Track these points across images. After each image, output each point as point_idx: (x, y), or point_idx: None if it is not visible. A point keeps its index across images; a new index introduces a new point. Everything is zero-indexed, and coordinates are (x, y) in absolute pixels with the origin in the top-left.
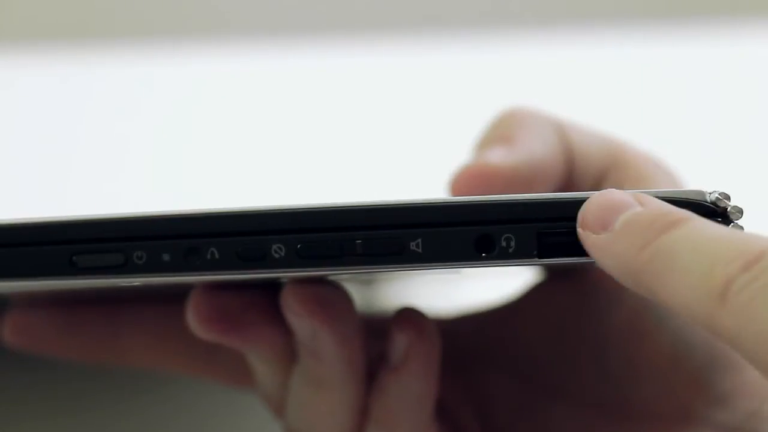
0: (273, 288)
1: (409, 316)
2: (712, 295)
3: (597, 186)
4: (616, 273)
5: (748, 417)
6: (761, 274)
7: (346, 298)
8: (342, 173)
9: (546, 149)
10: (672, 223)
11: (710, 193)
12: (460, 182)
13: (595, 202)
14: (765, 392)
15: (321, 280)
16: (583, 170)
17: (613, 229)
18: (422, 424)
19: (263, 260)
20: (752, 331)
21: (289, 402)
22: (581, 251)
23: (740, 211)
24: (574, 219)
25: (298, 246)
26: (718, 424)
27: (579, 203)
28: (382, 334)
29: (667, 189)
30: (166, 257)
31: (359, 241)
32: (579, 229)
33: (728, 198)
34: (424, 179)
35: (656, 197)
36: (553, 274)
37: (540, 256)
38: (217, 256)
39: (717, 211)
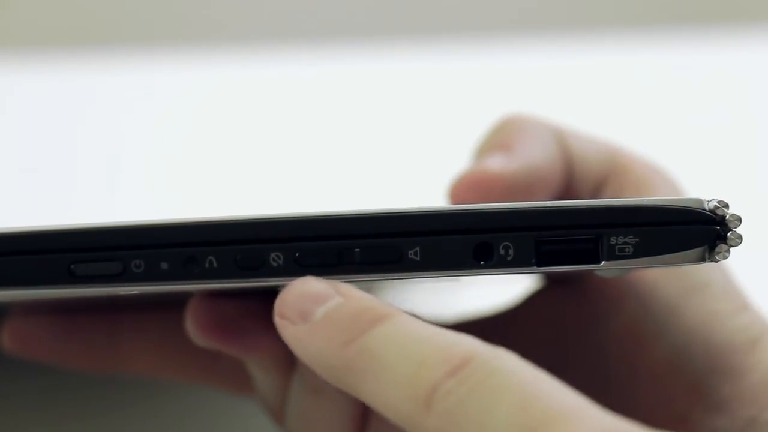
0: (272, 295)
1: None
2: (417, 400)
3: (596, 193)
4: (317, 367)
5: (747, 424)
6: (465, 381)
7: None
8: (340, 181)
9: (545, 156)
10: (376, 320)
11: (709, 201)
12: (458, 190)
13: (293, 291)
14: (764, 399)
15: None
16: (583, 177)
17: (313, 321)
18: None
19: (262, 269)
20: None
21: (289, 409)
22: (580, 259)
23: (739, 219)
24: (572, 227)
25: (297, 254)
26: (717, 430)
27: (578, 211)
28: None
29: (665, 197)
30: (164, 266)
31: (358, 250)
32: (277, 318)
33: (727, 206)
34: (423, 187)
35: (655, 205)
36: (552, 281)
37: (538, 264)
38: (215, 264)
39: (716, 219)
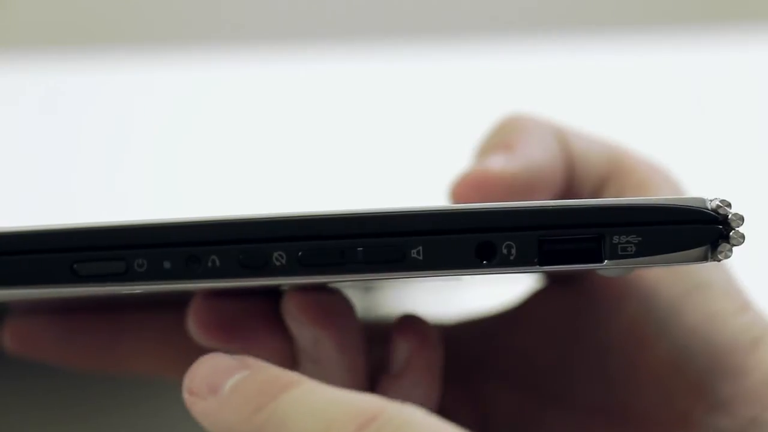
0: (274, 295)
1: (411, 322)
2: None
3: (598, 192)
4: None
5: (748, 423)
6: None
7: (347, 305)
8: (343, 180)
9: (546, 156)
10: (284, 386)
11: (711, 201)
12: (460, 189)
13: (200, 367)
14: (765, 399)
15: (322, 287)
16: (584, 177)
17: (222, 394)
18: None
19: (264, 268)
20: None
21: None
22: (582, 259)
23: (741, 219)
24: (575, 226)
25: (300, 254)
26: (719, 430)
27: (581, 210)
28: (383, 341)
29: (667, 196)
30: (167, 265)
31: (360, 249)
32: (186, 395)
33: (729, 205)
34: (425, 186)
35: (657, 204)
36: (554, 281)
37: (540, 263)
38: (218, 263)
39: (718, 219)
